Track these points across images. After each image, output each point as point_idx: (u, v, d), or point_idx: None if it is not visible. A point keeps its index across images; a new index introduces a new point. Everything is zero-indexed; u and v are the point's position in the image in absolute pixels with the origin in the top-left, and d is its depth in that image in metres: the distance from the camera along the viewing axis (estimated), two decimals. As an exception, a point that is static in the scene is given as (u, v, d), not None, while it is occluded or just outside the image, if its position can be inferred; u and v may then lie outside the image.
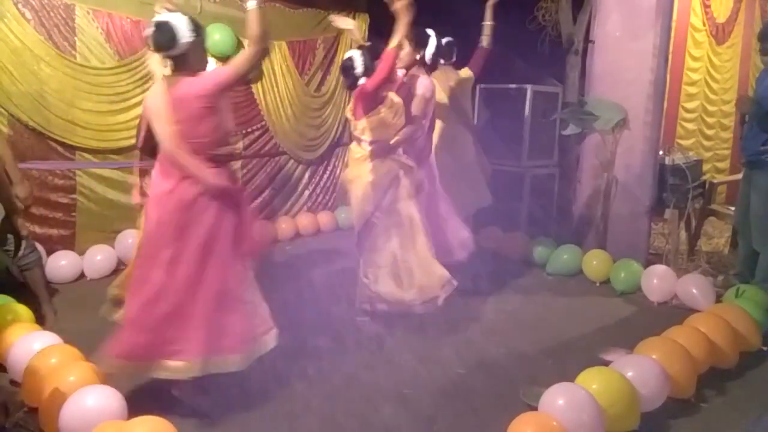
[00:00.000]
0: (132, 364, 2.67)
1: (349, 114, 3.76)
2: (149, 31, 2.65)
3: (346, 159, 6.67)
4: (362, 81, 3.55)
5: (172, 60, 2.70)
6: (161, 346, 2.67)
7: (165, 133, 2.68)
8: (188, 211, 2.67)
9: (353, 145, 3.74)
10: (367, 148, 3.61)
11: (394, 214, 3.58)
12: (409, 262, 3.57)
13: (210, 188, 2.69)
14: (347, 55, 3.65)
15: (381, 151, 3.61)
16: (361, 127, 3.61)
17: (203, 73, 2.74)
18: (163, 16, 2.69)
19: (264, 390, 2.95)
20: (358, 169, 3.65)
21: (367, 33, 6.40)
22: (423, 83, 3.84)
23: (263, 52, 2.64)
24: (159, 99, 2.69)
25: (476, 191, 4.69)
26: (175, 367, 2.67)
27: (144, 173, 3.44)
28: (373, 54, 3.59)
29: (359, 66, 3.55)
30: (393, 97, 3.62)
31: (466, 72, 4.65)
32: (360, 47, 3.74)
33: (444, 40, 4.55)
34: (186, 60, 2.69)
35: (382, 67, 3.47)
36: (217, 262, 2.72)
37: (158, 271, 2.67)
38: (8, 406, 2.70)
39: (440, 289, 3.58)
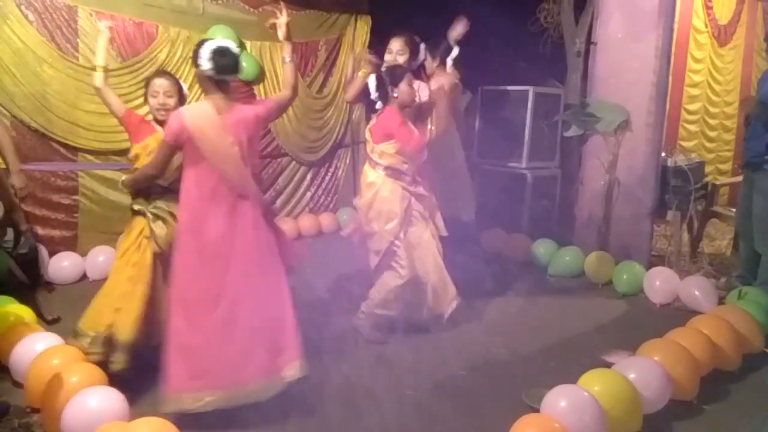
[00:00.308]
0: (255, 386, 2.70)
1: (368, 134, 3.75)
2: (210, 54, 2.73)
3: (347, 161, 6.70)
4: (379, 105, 3.60)
5: (222, 84, 2.80)
6: (276, 361, 2.76)
7: (226, 154, 2.75)
8: (257, 228, 2.82)
9: (367, 167, 3.74)
10: (380, 172, 3.62)
11: (408, 239, 3.62)
12: (422, 284, 3.67)
13: (264, 205, 2.93)
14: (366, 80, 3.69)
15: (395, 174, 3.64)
16: (378, 150, 3.62)
17: (255, 102, 2.93)
18: (220, 41, 2.83)
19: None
20: (372, 196, 3.64)
21: (369, 35, 6.41)
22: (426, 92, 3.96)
23: (295, 95, 3.08)
24: (213, 121, 2.75)
25: (468, 196, 4.68)
26: (286, 376, 2.77)
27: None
28: (391, 73, 3.65)
29: (374, 92, 3.59)
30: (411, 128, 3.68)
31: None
32: (376, 69, 3.77)
33: (455, 53, 4.51)
34: (230, 85, 2.86)
35: (408, 140, 3.57)
36: (282, 269, 2.90)
37: (250, 293, 2.74)
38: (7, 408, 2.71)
39: (447, 306, 3.76)
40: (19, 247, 3.75)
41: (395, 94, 3.60)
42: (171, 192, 3.03)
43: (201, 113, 2.78)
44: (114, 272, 3.10)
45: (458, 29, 4.15)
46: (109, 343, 2.90)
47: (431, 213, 3.77)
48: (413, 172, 3.66)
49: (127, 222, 3.17)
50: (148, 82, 3.20)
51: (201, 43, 2.82)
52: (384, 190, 3.59)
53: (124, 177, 3.11)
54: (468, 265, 4.22)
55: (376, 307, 3.64)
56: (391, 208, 3.57)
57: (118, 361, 2.89)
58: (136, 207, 3.10)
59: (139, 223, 3.08)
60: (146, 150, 3.08)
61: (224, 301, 2.70)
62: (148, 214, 3.03)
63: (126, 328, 2.90)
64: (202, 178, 2.76)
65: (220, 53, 2.75)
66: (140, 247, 3.05)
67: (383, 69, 3.79)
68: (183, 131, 2.73)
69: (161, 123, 3.09)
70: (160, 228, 3.00)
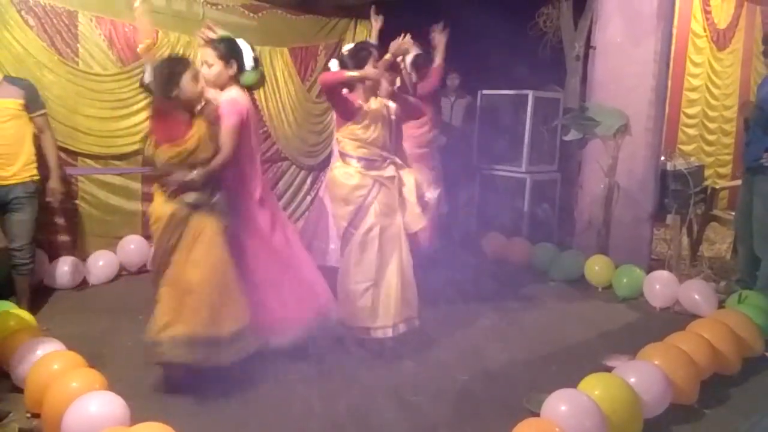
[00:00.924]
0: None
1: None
2: (252, 55, 3.24)
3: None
4: (345, 91, 3.44)
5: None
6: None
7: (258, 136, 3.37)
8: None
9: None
10: (349, 162, 3.47)
11: (368, 230, 3.39)
12: (381, 283, 3.39)
13: None
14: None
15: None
16: (337, 138, 3.56)
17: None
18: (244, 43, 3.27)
19: (265, 394, 2.96)
20: (329, 180, 3.58)
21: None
22: None
23: None
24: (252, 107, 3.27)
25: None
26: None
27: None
28: (355, 56, 3.49)
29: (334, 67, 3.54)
30: (372, 109, 3.45)
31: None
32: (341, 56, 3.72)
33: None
34: None
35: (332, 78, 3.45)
36: None
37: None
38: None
39: (403, 320, 3.43)
40: (20, 262, 3.83)
41: None
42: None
43: (247, 99, 3.18)
44: (209, 272, 2.91)
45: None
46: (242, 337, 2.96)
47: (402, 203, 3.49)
48: (380, 155, 3.47)
49: (172, 219, 2.91)
50: (186, 65, 2.97)
51: (234, 43, 3.20)
52: (339, 175, 3.48)
53: (195, 172, 2.89)
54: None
55: (350, 303, 3.43)
56: (344, 194, 3.42)
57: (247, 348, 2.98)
58: (192, 201, 2.93)
59: (204, 219, 2.93)
60: (203, 138, 2.96)
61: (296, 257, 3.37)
62: (219, 208, 3.00)
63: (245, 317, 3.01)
64: (252, 160, 3.23)
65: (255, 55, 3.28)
66: (216, 242, 2.95)
67: (345, 52, 3.65)
68: (247, 114, 3.11)
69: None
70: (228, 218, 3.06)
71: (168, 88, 2.88)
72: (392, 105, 3.58)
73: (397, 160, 3.57)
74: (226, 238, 2.99)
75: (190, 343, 2.83)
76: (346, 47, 3.96)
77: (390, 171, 3.49)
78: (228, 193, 3.07)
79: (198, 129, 2.94)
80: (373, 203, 3.41)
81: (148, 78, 2.98)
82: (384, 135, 3.49)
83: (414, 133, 4.44)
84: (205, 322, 2.87)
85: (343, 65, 3.47)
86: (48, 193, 3.95)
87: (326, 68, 3.42)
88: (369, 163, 3.45)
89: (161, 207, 2.96)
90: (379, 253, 3.38)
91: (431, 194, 3.58)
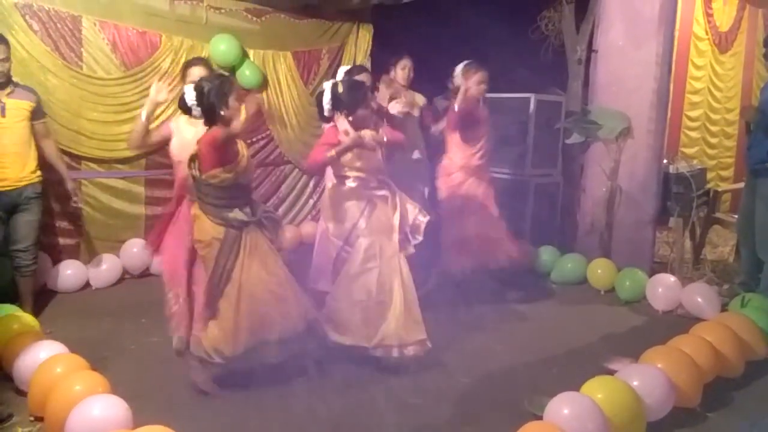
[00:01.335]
0: None
1: None
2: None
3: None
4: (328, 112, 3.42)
5: None
6: None
7: None
8: None
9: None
10: (341, 182, 3.49)
11: (365, 250, 3.35)
12: (383, 302, 3.29)
13: None
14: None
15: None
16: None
17: None
18: None
19: (265, 396, 2.96)
20: (326, 199, 3.60)
21: (371, 43, 6.43)
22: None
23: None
24: None
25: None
26: None
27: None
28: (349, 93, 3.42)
29: (327, 107, 3.39)
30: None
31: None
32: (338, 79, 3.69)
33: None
34: None
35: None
36: None
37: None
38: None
39: (408, 345, 3.26)
40: (23, 263, 3.89)
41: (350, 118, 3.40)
42: None
43: None
44: (250, 286, 2.98)
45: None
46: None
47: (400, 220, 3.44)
48: (374, 178, 3.46)
49: (227, 240, 2.94)
50: (232, 84, 3.06)
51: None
52: (333, 195, 3.51)
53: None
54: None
55: (333, 320, 3.37)
56: (339, 213, 3.43)
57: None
58: (238, 217, 2.97)
59: (255, 235, 3.02)
60: (248, 155, 3.16)
61: None
62: (262, 221, 3.08)
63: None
64: None
65: None
66: (271, 254, 3.09)
67: (342, 80, 3.63)
68: None
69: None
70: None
71: (218, 109, 2.91)
72: (381, 132, 3.53)
73: (392, 184, 3.56)
74: (275, 249, 3.12)
75: (269, 344, 3.00)
76: (342, 69, 4.05)
77: (383, 191, 3.50)
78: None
79: (242, 148, 3.05)
80: (369, 222, 3.41)
81: (190, 100, 2.93)
82: (376, 160, 3.49)
83: (474, 150, 4.53)
84: (274, 328, 2.99)
85: (336, 99, 3.38)
86: (72, 194, 4.15)
87: (328, 72, 3.38)
88: (363, 183, 3.46)
89: (212, 230, 2.96)
90: (378, 271, 3.33)
91: (423, 218, 3.53)
